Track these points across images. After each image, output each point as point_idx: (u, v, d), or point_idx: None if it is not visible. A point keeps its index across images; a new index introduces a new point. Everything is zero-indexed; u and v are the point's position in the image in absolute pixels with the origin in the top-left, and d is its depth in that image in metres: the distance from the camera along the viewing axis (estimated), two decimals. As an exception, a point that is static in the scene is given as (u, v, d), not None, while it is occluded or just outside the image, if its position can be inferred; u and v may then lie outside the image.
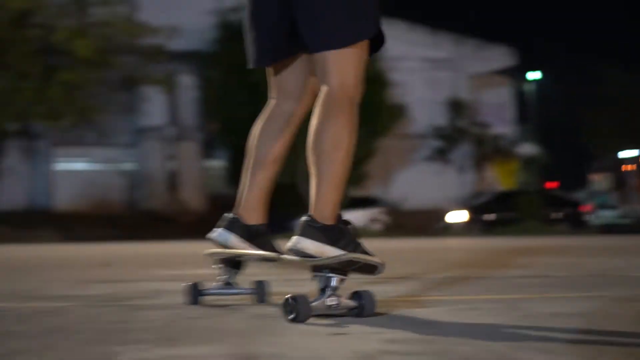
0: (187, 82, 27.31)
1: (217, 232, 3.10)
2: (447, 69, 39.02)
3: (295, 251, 2.68)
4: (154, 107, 24.37)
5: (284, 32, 2.92)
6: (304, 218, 2.72)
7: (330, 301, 2.63)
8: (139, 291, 3.84)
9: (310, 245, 2.65)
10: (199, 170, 37.51)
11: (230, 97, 30.19)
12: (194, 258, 8.45)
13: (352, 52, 2.81)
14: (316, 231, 2.68)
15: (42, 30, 17.82)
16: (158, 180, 36.79)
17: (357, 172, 24.47)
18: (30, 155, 35.86)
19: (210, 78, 32.44)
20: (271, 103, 3.15)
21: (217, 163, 38.43)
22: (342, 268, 2.66)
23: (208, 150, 38.14)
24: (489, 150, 38.72)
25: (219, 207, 37.37)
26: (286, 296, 2.56)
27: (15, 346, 2.05)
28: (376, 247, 3.00)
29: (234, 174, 34.41)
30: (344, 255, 2.64)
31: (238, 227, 3.10)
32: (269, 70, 3.13)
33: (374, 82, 27.36)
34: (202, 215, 35.52)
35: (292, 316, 2.54)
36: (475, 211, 29.65)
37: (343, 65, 2.79)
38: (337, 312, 2.64)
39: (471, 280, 4.54)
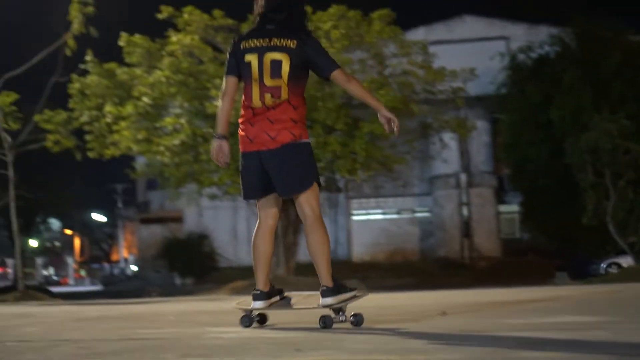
0: (478, 127, 27.11)
1: (253, 304, 5.25)
2: None
3: (325, 306, 4.92)
4: (446, 154, 24.41)
5: (264, 184, 5.10)
6: (322, 288, 4.97)
7: (341, 317, 4.94)
8: (498, 341, 3.59)
9: (331, 301, 4.93)
10: (492, 215, 36.96)
11: (522, 138, 29.58)
12: (513, 305, 8.06)
13: (312, 194, 5.06)
14: (329, 292, 4.95)
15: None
16: (451, 227, 36.74)
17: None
18: (331, 207, 37.44)
19: (501, 121, 32.05)
20: (260, 221, 5.23)
21: (510, 207, 37.74)
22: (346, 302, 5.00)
23: (500, 195, 37.60)
24: None
25: (513, 252, 36.42)
26: (322, 315, 4.88)
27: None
28: None
29: (527, 217, 33.54)
30: (350, 296, 5.02)
31: (262, 297, 5.24)
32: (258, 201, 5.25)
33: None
34: (497, 261, 34.92)
35: (323, 325, 4.81)
36: None
37: (310, 201, 5.04)
38: (345, 321, 4.91)
39: None
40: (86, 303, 15.46)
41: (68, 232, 68.10)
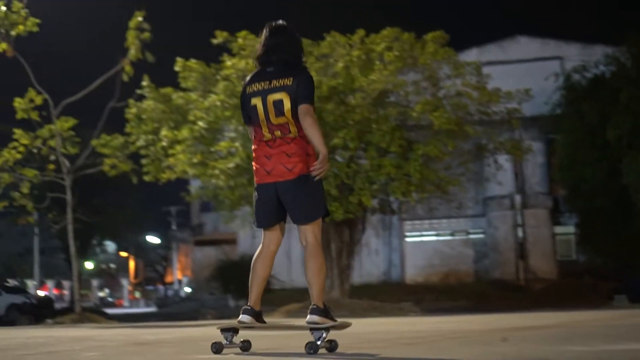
0: (532, 148, 26.79)
1: (240, 318, 5.52)
2: None
3: (312, 323, 5.24)
4: (501, 175, 24.17)
5: (277, 213, 5.59)
6: (312, 306, 5.32)
7: (323, 341, 5.17)
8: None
9: (317, 319, 5.27)
10: (547, 237, 36.46)
11: (577, 158, 29.17)
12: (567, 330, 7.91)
13: (317, 224, 5.52)
14: (318, 312, 5.30)
15: (400, 107, 18.50)
16: (506, 249, 36.32)
17: None
18: (384, 229, 37.34)
19: (556, 141, 31.68)
20: (263, 245, 5.70)
21: (566, 229, 37.17)
22: (329, 328, 5.24)
23: (556, 216, 37.09)
24: None
25: (569, 273, 35.78)
26: (308, 342, 5.08)
27: None
28: None
29: (584, 239, 32.99)
30: (333, 323, 5.32)
31: (251, 313, 5.52)
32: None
33: None
34: (553, 283, 34.38)
35: (311, 351, 5.02)
36: None
37: (315, 230, 5.49)
38: (323, 346, 5.16)
39: None
40: (143, 326, 15.60)
41: (123, 254, 68.90)
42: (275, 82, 5.46)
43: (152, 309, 53.49)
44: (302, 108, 5.36)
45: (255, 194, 5.65)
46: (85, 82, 20.82)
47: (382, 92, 18.18)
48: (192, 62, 19.72)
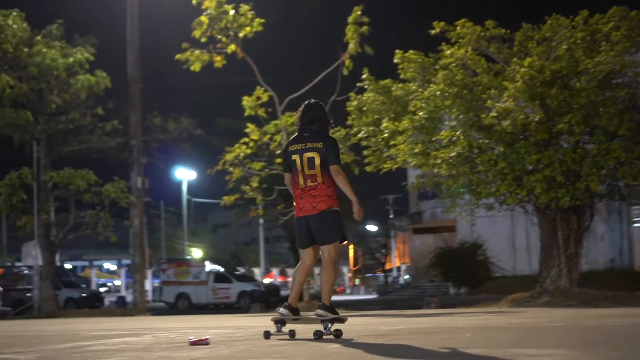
0: None
1: (280, 310, 7.74)
2: None
3: (318, 315, 7.35)
4: None
5: (310, 238, 7.65)
6: (320, 304, 7.42)
7: (328, 330, 7.31)
8: None
9: (322, 312, 7.32)
10: None
11: None
12: None
13: (333, 246, 7.57)
14: (324, 308, 7.34)
15: (628, 89, 17.67)
16: None
17: None
18: (610, 214, 35.83)
19: None
20: (301, 260, 7.85)
21: None
22: (333, 320, 7.36)
23: None
24: None
25: None
26: (315, 329, 7.32)
27: None
28: None
29: None
30: (334, 317, 7.39)
31: (289, 308, 7.66)
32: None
33: None
34: None
35: (316, 337, 7.23)
36: None
37: (330, 250, 7.53)
38: (329, 335, 7.26)
39: None
40: (369, 315, 15.94)
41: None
42: (310, 144, 7.60)
43: (372, 296, 54.44)
44: (333, 169, 7.51)
45: (294, 224, 7.76)
46: (306, 78, 21.55)
47: (608, 74, 17.42)
48: (411, 53, 19.79)
